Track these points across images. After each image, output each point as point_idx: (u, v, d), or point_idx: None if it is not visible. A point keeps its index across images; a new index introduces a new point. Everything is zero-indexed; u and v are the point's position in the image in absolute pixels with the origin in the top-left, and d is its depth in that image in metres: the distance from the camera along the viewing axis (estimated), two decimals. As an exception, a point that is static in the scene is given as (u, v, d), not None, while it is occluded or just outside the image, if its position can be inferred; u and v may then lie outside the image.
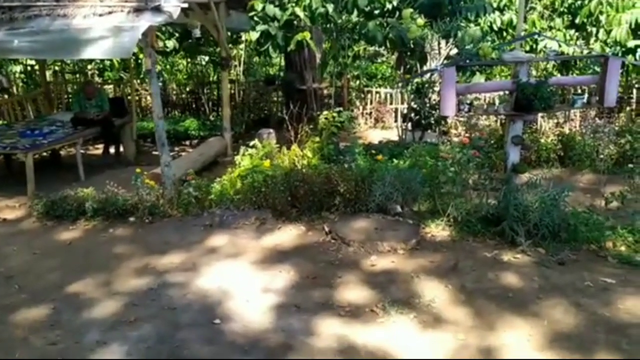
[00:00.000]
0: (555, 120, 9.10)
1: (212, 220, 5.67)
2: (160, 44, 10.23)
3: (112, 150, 9.22)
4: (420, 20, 5.64)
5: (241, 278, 4.53)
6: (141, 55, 9.61)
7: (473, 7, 7.54)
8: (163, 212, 5.86)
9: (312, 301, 4.15)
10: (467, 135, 5.35)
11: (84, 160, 9.04)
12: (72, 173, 7.87)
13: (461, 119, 11.21)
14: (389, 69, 14.02)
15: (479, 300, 4.10)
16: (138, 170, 5.85)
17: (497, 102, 7.33)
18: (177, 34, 9.96)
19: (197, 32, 7.28)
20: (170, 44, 9.87)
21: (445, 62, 4.97)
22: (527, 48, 9.67)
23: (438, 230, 5.31)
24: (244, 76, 13.19)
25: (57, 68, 13.12)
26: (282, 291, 4.30)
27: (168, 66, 13.98)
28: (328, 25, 9.90)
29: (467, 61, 5.35)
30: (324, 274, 4.56)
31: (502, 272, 4.48)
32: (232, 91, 12.52)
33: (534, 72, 8.08)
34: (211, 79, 13.30)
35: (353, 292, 4.25)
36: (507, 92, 5.38)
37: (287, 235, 5.35)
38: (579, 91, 7.58)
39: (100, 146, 9.45)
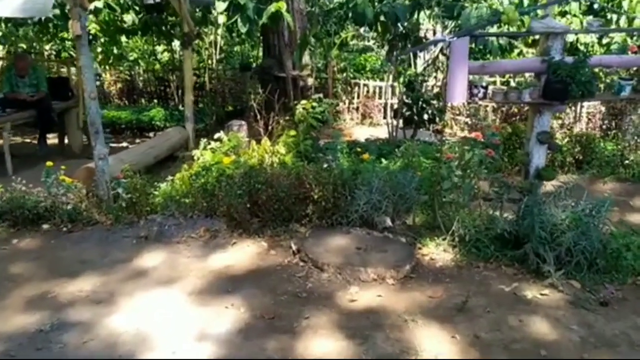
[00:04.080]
0: (561, 121, 7.98)
1: (149, 230, 4.41)
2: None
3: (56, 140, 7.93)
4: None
5: (172, 316, 3.29)
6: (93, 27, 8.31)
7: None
8: (88, 218, 4.59)
9: (265, 356, 2.93)
10: (478, 132, 4.14)
11: (24, 150, 7.81)
12: (2, 165, 6.57)
13: (459, 116, 10.12)
14: (378, 61, 12.81)
15: (500, 360, 2.90)
16: (49, 163, 4.56)
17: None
18: (137, 7, 8.65)
19: (149, -2, 6.03)
20: (129, 18, 8.54)
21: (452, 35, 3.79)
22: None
23: (439, 251, 4.11)
24: (220, 63, 11.94)
25: (10, 48, 11.78)
26: (225, 339, 3.07)
27: (146, 55, 12.70)
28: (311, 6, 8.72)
29: (485, 30, 4.14)
30: (285, 313, 3.34)
31: (527, 316, 3.29)
32: (203, 79, 11.25)
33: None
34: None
35: (323, 343, 3.03)
36: (532, 75, 4.18)
37: (243, 253, 4.12)
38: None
39: (52, 135, 8.13)
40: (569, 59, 3.81)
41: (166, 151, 6.84)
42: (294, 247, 4.07)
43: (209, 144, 6.02)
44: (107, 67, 12.59)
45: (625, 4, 7.58)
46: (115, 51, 11.73)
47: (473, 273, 3.84)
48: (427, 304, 3.44)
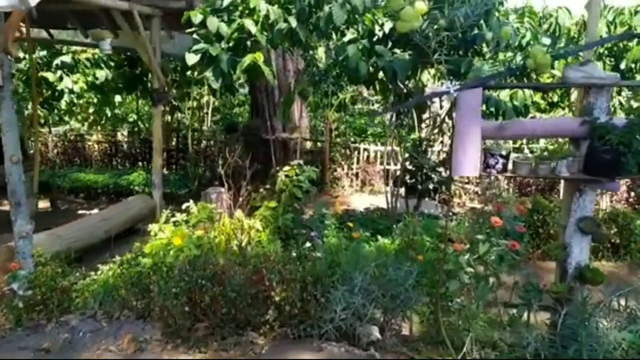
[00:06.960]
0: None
1: (55, 339, 3.31)
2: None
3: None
4: (421, 5, 3.34)
5: None
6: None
7: (491, 36, 5.41)
8: (-18, 319, 3.52)
9: None
10: (495, 213, 3.08)
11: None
12: None
13: (468, 185, 9.07)
14: (380, 125, 11.99)
15: None
16: None
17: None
18: (112, 63, 7.93)
19: (106, 46, 5.21)
20: (102, 74, 7.79)
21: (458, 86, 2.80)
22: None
23: (444, 381, 2.96)
24: (215, 124, 11.20)
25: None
26: None
27: (145, 116, 12.05)
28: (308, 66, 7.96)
29: (503, 80, 3.16)
30: None
31: None
32: (187, 141, 10.43)
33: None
34: (173, 125, 11.22)
35: None
36: (568, 139, 3.17)
37: (173, 378, 3.00)
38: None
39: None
40: (619, 121, 2.81)
41: (123, 224, 5.82)
42: (242, 372, 2.94)
43: (173, 215, 5.05)
44: (97, 128, 11.92)
45: (655, 63, 6.68)
46: (108, 112, 11.08)
47: (494, 421, 2.68)
48: None
